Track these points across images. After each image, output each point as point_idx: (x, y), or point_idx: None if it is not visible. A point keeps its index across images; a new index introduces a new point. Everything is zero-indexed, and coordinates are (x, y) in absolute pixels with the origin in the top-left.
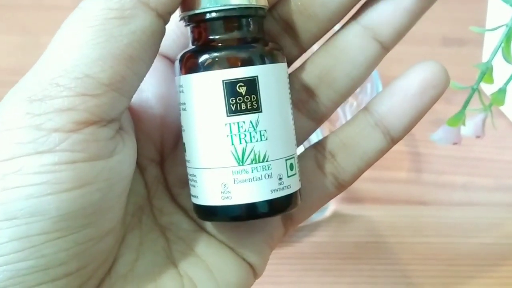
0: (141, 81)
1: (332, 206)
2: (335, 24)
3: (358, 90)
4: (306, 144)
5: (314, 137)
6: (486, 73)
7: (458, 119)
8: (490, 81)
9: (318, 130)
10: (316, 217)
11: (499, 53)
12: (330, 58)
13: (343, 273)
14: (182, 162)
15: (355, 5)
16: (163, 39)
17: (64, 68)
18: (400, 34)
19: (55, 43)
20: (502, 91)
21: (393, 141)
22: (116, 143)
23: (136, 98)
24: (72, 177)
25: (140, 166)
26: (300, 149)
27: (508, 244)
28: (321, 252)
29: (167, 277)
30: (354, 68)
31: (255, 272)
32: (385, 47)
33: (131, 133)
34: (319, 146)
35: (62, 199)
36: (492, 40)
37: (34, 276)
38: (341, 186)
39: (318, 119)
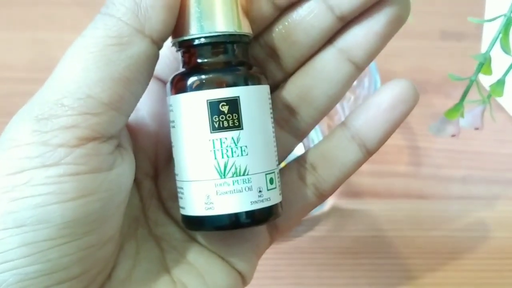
0: (137, 101)
1: (331, 201)
2: (316, 50)
3: (355, 84)
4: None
5: (315, 138)
6: (485, 64)
7: (456, 110)
8: (489, 72)
9: (317, 128)
10: (315, 211)
11: (498, 45)
12: (309, 79)
13: (342, 268)
14: (174, 177)
15: (334, 32)
16: (158, 63)
17: (68, 89)
18: (371, 56)
19: (60, 67)
20: (500, 82)
21: (369, 153)
22: (115, 157)
23: (132, 116)
24: (76, 187)
25: (136, 180)
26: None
27: (508, 238)
28: (320, 246)
29: (161, 283)
30: (331, 87)
31: (243, 279)
32: (359, 67)
33: (130, 150)
34: (301, 159)
35: (66, 207)
36: (490, 34)
37: (40, 280)
38: (322, 195)
39: (300, 135)
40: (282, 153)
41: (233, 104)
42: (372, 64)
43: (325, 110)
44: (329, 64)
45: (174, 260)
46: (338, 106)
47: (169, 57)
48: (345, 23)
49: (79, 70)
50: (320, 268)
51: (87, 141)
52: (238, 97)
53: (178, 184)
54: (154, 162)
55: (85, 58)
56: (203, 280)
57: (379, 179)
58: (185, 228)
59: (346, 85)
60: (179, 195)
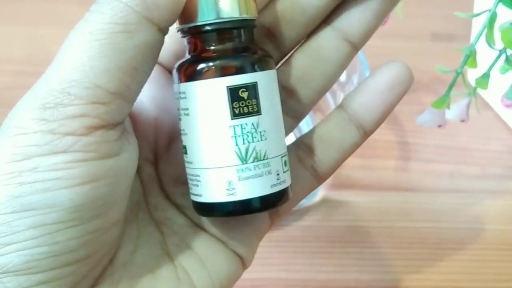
0: (142, 88)
1: (321, 192)
2: (312, 29)
3: (345, 80)
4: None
5: (305, 127)
6: (470, 56)
7: (442, 101)
8: (474, 65)
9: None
10: (306, 202)
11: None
12: (306, 59)
13: (332, 256)
14: (175, 162)
15: (330, 10)
16: None
17: (75, 78)
18: (368, 34)
19: (63, 53)
20: (486, 75)
21: (366, 134)
22: (122, 143)
23: None
24: (84, 173)
25: None
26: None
27: (493, 230)
28: (310, 235)
29: (162, 267)
30: (328, 67)
31: (244, 263)
32: (355, 47)
33: (132, 133)
34: (299, 142)
35: (75, 192)
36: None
37: (47, 261)
38: (321, 177)
39: (297, 116)
40: None
41: (252, 89)
42: (363, 61)
43: (322, 91)
44: (325, 43)
45: (175, 245)
46: (331, 100)
47: (167, 41)
48: (341, 1)
49: (85, 58)
50: (310, 256)
51: (95, 129)
52: (256, 82)
53: (192, 171)
54: (154, 147)
55: (91, 46)
56: (203, 265)
57: (370, 173)
58: (190, 214)
59: (343, 64)
60: (194, 182)
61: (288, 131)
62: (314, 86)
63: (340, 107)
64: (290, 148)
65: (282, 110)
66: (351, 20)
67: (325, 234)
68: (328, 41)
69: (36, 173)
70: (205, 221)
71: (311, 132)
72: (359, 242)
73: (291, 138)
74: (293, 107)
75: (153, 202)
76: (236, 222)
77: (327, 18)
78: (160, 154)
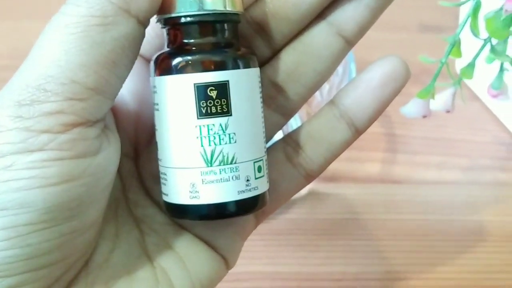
0: (123, 83)
1: (308, 185)
2: (305, 25)
3: None
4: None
5: (294, 125)
6: (454, 45)
7: (427, 91)
8: (458, 54)
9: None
10: None
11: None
12: (297, 54)
13: (318, 248)
14: (155, 158)
15: (324, 6)
16: None
17: (50, 74)
18: (362, 29)
19: (39, 48)
20: (470, 65)
21: (358, 132)
22: (102, 141)
23: None
24: (60, 172)
25: None
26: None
27: (479, 221)
28: (296, 228)
29: (141, 268)
30: (320, 63)
31: (227, 263)
32: (349, 42)
33: (115, 131)
34: (288, 138)
35: (49, 192)
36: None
37: (18, 265)
38: (310, 176)
39: (287, 114)
40: (269, 132)
41: (222, 88)
42: (349, 53)
43: (314, 87)
44: (318, 38)
45: (154, 244)
46: (317, 92)
47: (150, 34)
48: None
49: (61, 53)
50: (296, 249)
51: (73, 126)
52: (228, 81)
53: (161, 169)
54: (135, 142)
55: (67, 39)
56: (183, 265)
57: (357, 165)
58: (168, 216)
59: (336, 60)
60: (162, 181)
61: (277, 128)
62: (305, 82)
63: (331, 102)
64: (278, 144)
65: (271, 106)
66: (345, 15)
67: (311, 227)
68: (321, 36)
69: (10, 171)
70: (186, 220)
71: (301, 128)
72: (346, 234)
73: (279, 135)
74: (282, 104)
75: (133, 198)
76: (218, 221)
77: (321, 13)
78: (140, 149)
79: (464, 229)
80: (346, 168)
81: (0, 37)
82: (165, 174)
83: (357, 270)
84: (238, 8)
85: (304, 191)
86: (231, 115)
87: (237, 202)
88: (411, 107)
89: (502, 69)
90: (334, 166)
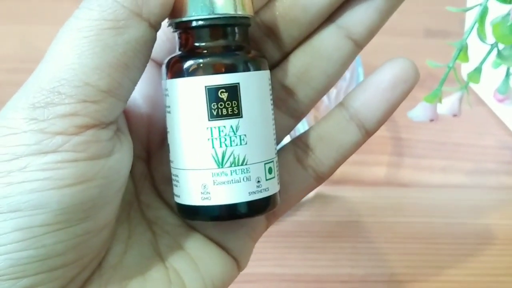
0: (135, 85)
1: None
2: (314, 28)
3: None
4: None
5: (301, 129)
6: (461, 50)
7: (434, 96)
8: (465, 59)
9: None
10: None
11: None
12: (307, 57)
13: (325, 251)
14: (167, 161)
15: (333, 9)
16: None
17: (64, 77)
18: (371, 32)
19: (52, 51)
20: (477, 70)
21: (368, 133)
22: (114, 143)
23: None
24: (74, 174)
25: None
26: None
27: (485, 224)
28: (304, 230)
29: (153, 268)
30: (330, 66)
31: (239, 264)
32: (358, 45)
33: (127, 133)
34: (298, 140)
35: (63, 193)
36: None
37: (33, 266)
38: (320, 178)
39: (297, 116)
40: (279, 134)
41: (233, 91)
42: (356, 57)
43: (324, 90)
44: (328, 41)
45: (166, 245)
46: (325, 97)
47: (162, 38)
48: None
49: (74, 56)
50: (303, 251)
51: (86, 128)
52: (238, 83)
53: (173, 171)
54: (147, 145)
55: (80, 43)
56: (196, 266)
57: (363, 168)
58: (180, 217)
59: (345, 63)
60: (174, 182)
61: (287, 130)
62: (315, 85)
63: (341, 105)
64: (288, 146)
65: (281, 109)
66: (355, 18)
67: (318, 229)
68: (330, 39)
69: (25, 173)
70: (198, 221)
71: (310, 130)
72: (352, 237)
73: (286, 140)
74: (292, 106)
75: (146, 200)
76: (229, 223)
77: (330, 16)
78: (152, 152)
79: (469, 232)
80: (352, 171)
81: (10, 41)
82: (177, 176)
83: (364, 272)
84: (248, 11)
85: (311, 193)
86: (242, 117)
87: (248, 203)
88: (418, 111)
89: (508, 74)
90: (341, 169)
